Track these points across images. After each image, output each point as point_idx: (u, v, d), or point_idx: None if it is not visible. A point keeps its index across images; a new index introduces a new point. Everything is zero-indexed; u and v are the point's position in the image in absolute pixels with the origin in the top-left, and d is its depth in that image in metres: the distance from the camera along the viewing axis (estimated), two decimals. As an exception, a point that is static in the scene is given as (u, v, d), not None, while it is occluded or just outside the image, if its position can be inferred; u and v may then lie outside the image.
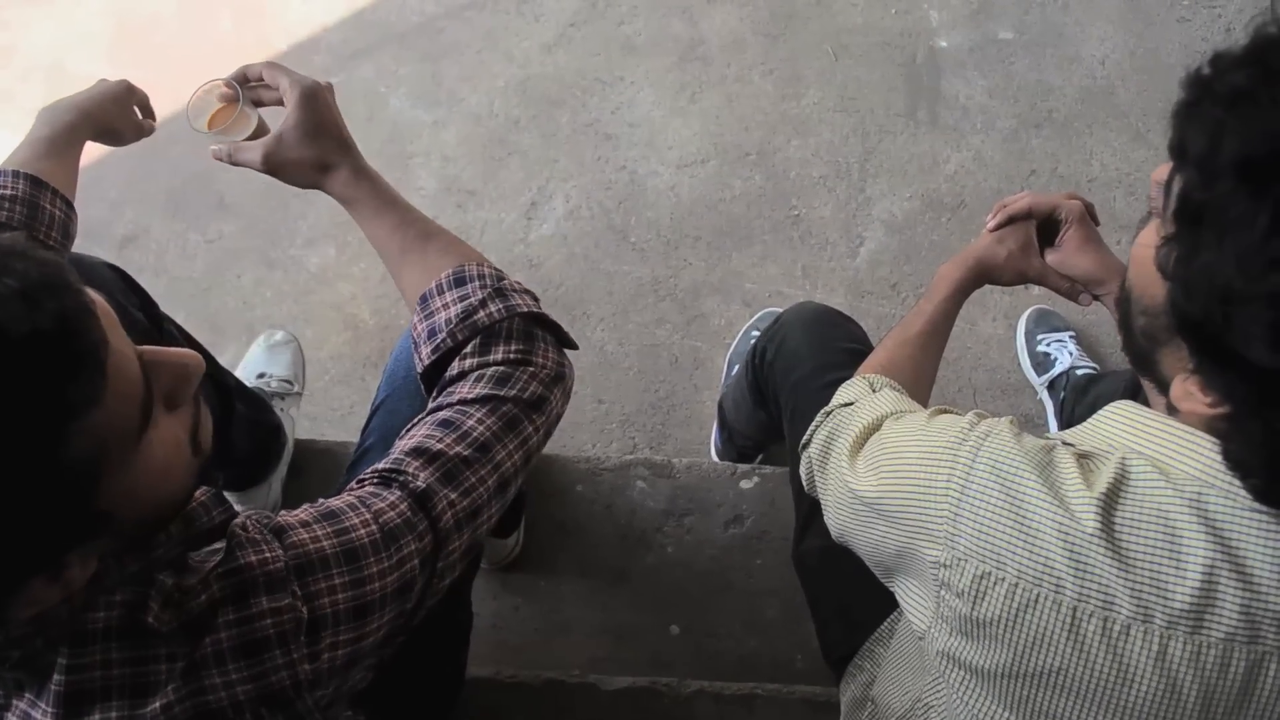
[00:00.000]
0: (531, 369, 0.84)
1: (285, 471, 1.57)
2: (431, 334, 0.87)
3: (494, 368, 0.83)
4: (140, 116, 1.18)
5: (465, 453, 0.78)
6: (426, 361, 0.87)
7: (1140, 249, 0.68)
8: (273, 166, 0.94)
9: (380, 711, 0.87)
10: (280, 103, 0.96)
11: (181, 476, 0.66)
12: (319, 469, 1.60)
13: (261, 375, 1.68)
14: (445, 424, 0.80)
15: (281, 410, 1.61)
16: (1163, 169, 0.64)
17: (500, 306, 0.86)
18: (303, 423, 1.75)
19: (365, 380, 1.90)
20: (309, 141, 0.92)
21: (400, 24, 2.28)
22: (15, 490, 0.52)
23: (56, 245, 1.03)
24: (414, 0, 2.30)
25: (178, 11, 2.34)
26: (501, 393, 0.82)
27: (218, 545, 0.66)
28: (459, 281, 0.88)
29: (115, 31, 2.31)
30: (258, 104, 0.99)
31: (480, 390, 0.81)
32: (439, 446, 0.78)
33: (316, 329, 1.96)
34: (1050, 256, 1.08)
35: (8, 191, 0.99)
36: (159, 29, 2.32)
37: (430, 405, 0.84)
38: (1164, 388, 0.67)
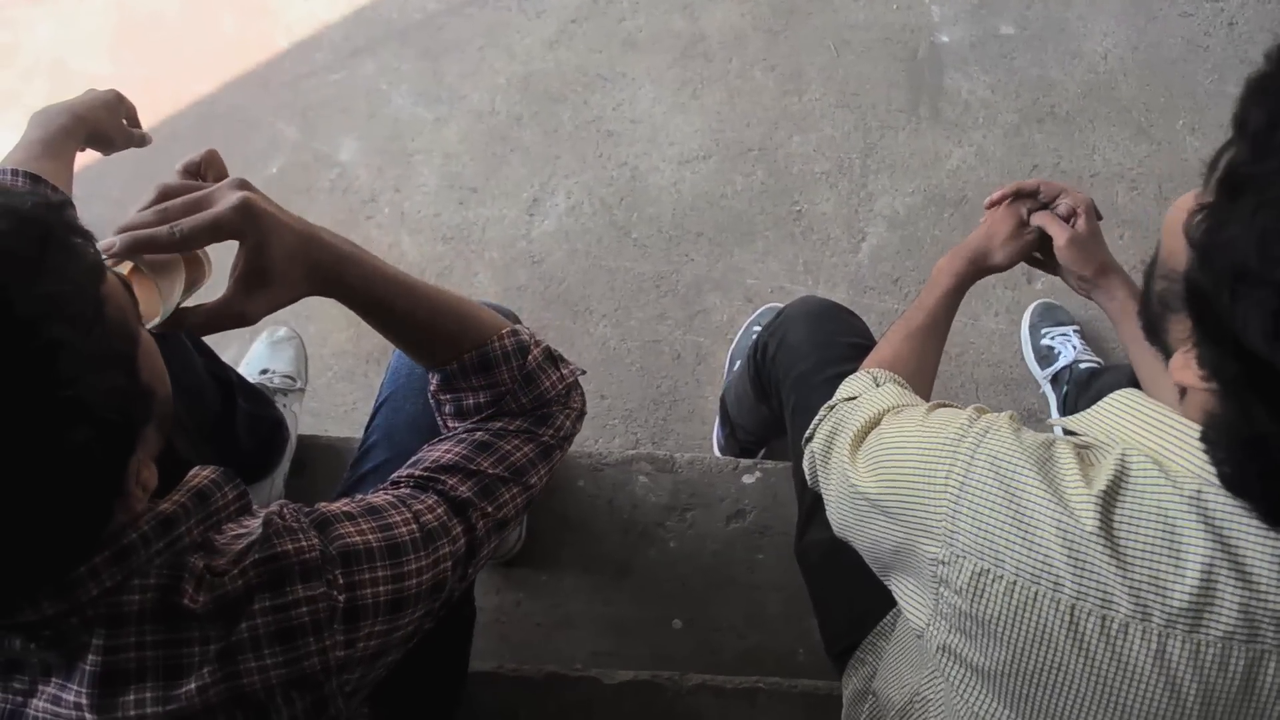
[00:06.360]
0: (567, 411, 0.89)
1: (288, 467, 1.57)
2: (459, 413, 0.88)
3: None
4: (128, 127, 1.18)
5: (503, 474, 0.83)
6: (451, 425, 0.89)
7: (1175, 212, 0.66)
8: (257, 316, 0.75)
9: (385, 706, 0.88)
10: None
11: (163, 375, 0.69)
12: (322, 465, 1.61)
13: (264, 371, 1.69)
14: (483, 446, 0.84)
15: (284, 406, 1.61)
16: None
17: (531, 398, 0.87)
18: (306, 419, 1.75)
19: (368, 377, 1.91)
20: (273, 282, 0.74)
21: (402, 21, 2.28)
22: (90, 358, 0.56)
23: None
24: (415, -3, 2.30)
25: (180, 10, 2.34)
26: (540, 430, 0.87)
27: (248, 529, 0.68)
28: (484, 366, 0.85)
29: (117, 30, 2.31)
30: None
31: (518, 424, 0.86)
32: (475, 466, 0.82)
33: (319, 325, 1.96)
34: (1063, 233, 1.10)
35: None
36: (161, 27, 2.32)
37: (467, 425, 0.86)
38: (1168, 356, 0.66)
